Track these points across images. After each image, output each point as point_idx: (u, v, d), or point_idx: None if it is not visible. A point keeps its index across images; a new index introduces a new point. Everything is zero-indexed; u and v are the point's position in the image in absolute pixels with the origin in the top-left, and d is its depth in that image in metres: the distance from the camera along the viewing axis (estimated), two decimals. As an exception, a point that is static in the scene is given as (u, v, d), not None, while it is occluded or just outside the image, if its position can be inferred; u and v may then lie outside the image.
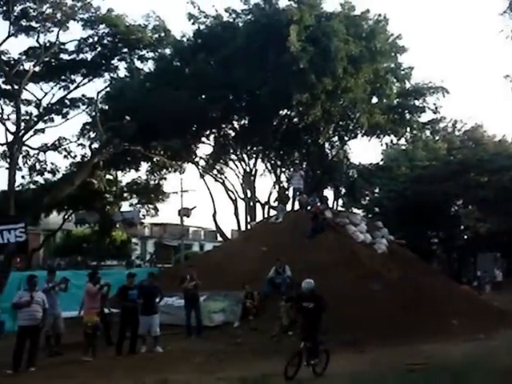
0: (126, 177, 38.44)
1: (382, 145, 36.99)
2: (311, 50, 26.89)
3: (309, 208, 25.21)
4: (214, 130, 34.32)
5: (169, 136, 30.07)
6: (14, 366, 13.02)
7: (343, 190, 36.08)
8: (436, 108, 33.27)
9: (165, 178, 38.84)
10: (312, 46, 27.06)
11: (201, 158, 36.42)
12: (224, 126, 34.12)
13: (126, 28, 28.56)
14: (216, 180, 36.57)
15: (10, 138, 26.60)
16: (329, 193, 33.94)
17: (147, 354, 15.12)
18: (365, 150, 63.33)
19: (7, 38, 26.02)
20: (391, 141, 36.86)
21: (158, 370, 12.60)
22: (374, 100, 32.36)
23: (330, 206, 29.35)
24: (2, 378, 12.40)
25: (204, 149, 36.45)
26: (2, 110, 29.54)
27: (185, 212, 42.30)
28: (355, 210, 37.29)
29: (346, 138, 35.17)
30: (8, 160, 27.18)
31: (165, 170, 37.77)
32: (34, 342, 13.45)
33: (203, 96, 30.46)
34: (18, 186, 30.76)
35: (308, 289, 12.38)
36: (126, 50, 29.97)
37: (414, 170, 41.05)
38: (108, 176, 36.96)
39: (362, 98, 29.94)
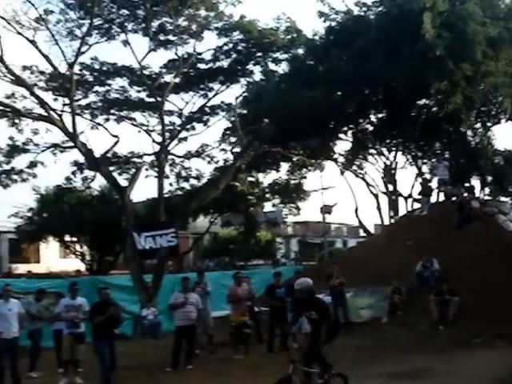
0: (267, 178, 39.06)
1: (529, 128, 35.24)
2: (447, 36, 25.98)
3: (454, 199, 24.60)
4: (351, 126, 33.99)
5: (307, 135, 30.22)
6: (173, 364, 13.74)
7: (489, 178, 34.65)
8: None
9: (305, 177, 39.03)
10: (448, 32, 26.11)
11: (340, 154, 36.31)
12: (361, 120, 33.72)
13: (258, 32, 28.98)
14: (356, 175, 36.46)
15: (157, 148, 27.84)
16: (474, 182, 32.74)
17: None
18: (511, 135, 60.28)
19: (148, 53, 27.14)
20: (538, 124, 34.84)
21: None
22: (518, 82, 30.79)
23: (477, 195, 28.42)
24: (162, 375, 13.13)
25: (342, 145, 36.34)
26: (148, 122, 31.03)
27: (326, 209, 42.43)
28: (503, 199, 35.61)
29: (489, 124, 33.66)
30: (156, 169, 28.46)
31: (304, 169, 37.95)
32: (190, 342, 14.11)
33: (338, 92, 30.27)
34: (167, 193, 32.11)
35: (303, 291, 9.83)
36: (259, 54, 30.41)
37: None
38: (250, 178, 37.75)
39: (504, 81, 28.50)
